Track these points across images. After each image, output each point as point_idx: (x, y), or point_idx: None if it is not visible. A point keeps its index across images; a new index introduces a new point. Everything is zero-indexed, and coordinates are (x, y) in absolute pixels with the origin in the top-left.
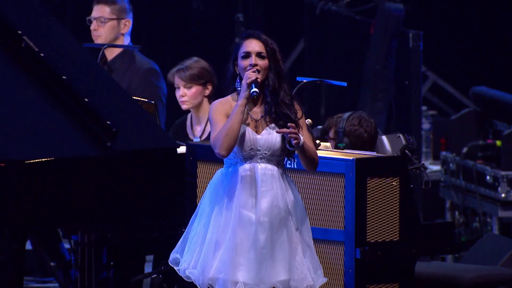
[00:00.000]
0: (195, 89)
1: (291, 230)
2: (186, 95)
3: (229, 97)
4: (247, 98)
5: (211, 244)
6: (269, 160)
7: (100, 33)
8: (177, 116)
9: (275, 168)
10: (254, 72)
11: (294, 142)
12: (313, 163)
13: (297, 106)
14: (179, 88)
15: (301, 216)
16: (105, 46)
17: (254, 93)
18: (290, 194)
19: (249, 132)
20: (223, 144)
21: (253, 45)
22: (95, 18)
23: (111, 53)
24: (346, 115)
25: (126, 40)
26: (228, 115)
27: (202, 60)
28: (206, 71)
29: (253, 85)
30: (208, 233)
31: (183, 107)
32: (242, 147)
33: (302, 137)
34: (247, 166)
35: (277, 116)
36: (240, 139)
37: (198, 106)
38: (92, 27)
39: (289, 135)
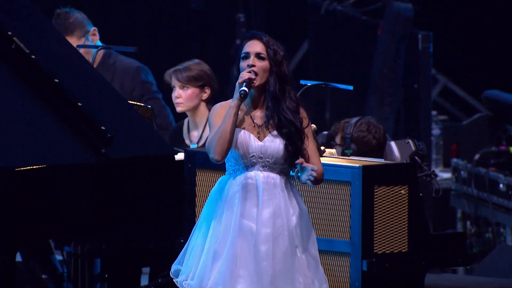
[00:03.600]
0: (191, 91)
1: (295, 242)
2: (181, 96)
3: (230, 101)
4: (239, 99)
5: (209, 254)
6: (271, 168)
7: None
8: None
9: (278, 176)
10: (249, 72)
11: (307, 180)
12: (318, 182)
13: (303, 114)
14: (175, 88)
15: (306, 227)
16: (100, 48)
17: (242, 92)
18: (295, 204)
19: (251, 138)
20: (216, 148)
21: (254, 46)
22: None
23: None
24: (354, 120)
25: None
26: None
27: (204, 63)
28: (205, 74)
29: (243, 84)
30: (206, 243)
31: (177, 109)
32: (244, 154)
33: (315, 174)
34: (248, 174)
35: (281, 123)
36: (241, 145)
37: (194, 110)
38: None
39: (309, 175)
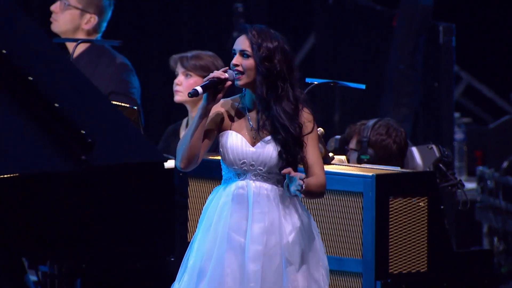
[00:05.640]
0: (193, 80)
1: (291, 262)
2: (181, 84)
3: (231, 99)
4: (205, 100)
5: (193, 272)
6: (265, 178)
7: (58, 17)
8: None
9: (274, 187)
10: (225, 72)
11: (296, 191)
12: (314, 195)
13: (306, 117)
14: (177, 75)
15: (309, 246)
16: (80, 41)
17: (192, 91)
18: (295, 220)
19: (243, 143)
20: (178, 155)
21: (239, 42)
22: None
23: (77, 48)
24: (371, 122)
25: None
26: (221, 119)
27: (218, 58)
28: (214, 68)
29: (205, 82)
30: (190, 260)
31: (175, 98)
32: (234, 160)
33: (303, 184)
34: (240, 183)
35: (275, 128)
36: (231, 150)
37: (194, 104)
38: (52, 7)
39: (297, 185)
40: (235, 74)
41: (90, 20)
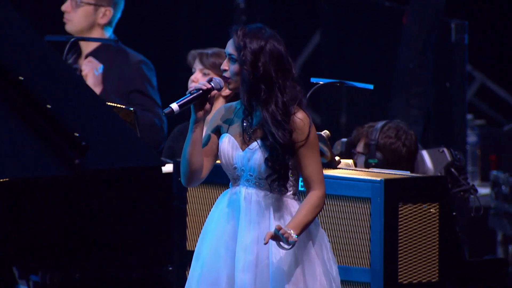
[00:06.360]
0: None
1: (281, 274)
2: (197, 81)
3: (235, 102)
4: (195, 113)
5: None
6: (258, 185)
7: (71, 17)
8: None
9: (268, 194)
10: (210, 81)
11: (285, 245)
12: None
13: (297, 124)
14: (194, 71)
15: (307, 258)
16: (73, 39)
17: (166, 109)
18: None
19: (234, 146)
20: (181, 171)
21: (228, 45)
22: None
23: (88, 45)
24: (380, 124)
25: (106, 33)
26: (220, 125)
27: None
28: None
29: (186, 96)
30: (192, 270)
31: None
32: (226, 164)
33: (292, 233)
34: (234, 189)
35: (264, 133)
36: (223, 153)
37: None
38: (63, 7)
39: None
40: (226, 78)
41: (105, 13)
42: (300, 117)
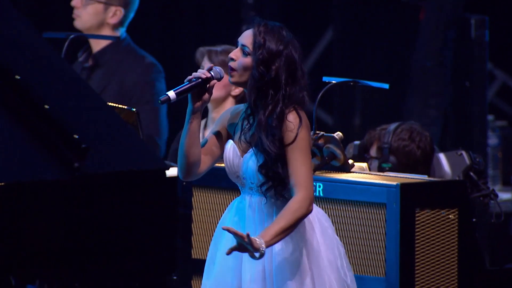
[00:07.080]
0: None
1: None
2: None
3: (241, 106)
4: (190, 104)
5: None
6: (261, 192)
7: (80, 13)
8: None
9: (271, 201)
10: (210, 70)
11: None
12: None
13: (286, 126)
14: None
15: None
16: (72, 36)
17: (162, 96)
18: (296, 240)
19: (234, 153)
20: (177, 163)
21: (244, 35)
22: None
23: (97, 44)
24: (393, 126)
25: (117, 34)
26: (226, 129)
27: None
28: None
29: (184, 84)
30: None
31: None
32: (229, 171)
33: (258, 241)
34: (241, 197)
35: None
36: (225, 160)
37: (218, 104)
38: (73, 3)
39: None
40: (230, 69)
41: (116, 13)
42: (290, 119)
